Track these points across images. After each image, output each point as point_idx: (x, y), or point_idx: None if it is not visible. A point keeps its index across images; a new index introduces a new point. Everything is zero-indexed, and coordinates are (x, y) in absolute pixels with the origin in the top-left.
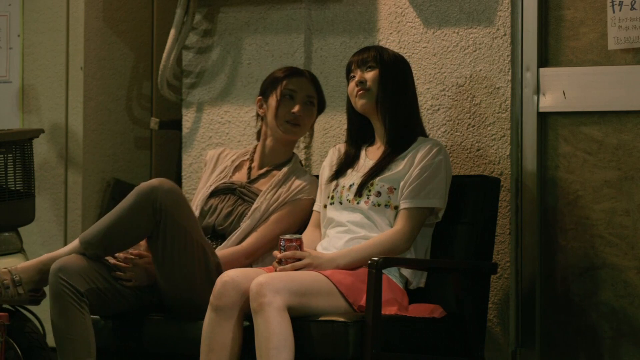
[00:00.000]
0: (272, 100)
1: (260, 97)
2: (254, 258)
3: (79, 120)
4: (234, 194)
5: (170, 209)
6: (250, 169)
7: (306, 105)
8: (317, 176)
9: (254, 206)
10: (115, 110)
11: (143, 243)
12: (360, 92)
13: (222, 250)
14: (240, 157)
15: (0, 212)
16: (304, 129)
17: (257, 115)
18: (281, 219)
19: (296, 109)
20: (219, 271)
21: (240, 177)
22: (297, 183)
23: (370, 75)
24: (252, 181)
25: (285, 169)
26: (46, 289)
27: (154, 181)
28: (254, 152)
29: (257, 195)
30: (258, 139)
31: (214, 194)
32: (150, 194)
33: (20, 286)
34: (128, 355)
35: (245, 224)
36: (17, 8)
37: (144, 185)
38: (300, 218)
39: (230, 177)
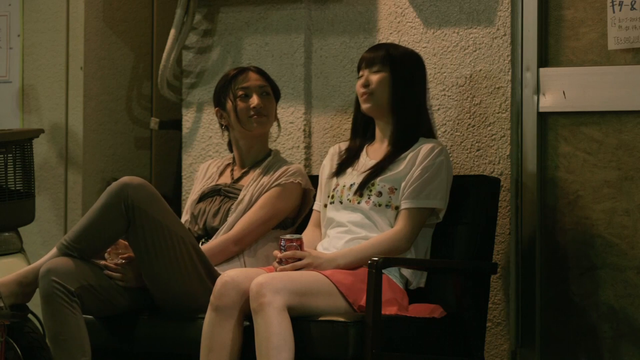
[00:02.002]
0: (229, 105)
1: (216, 108)
2: (243, 245)
3: (79, 120)
4: (219, 195)
5: (142, 204)
6: (232, 170)
7: (263, 96)
8: (317, 176)
9: (237, 200)
10: (115, 110)
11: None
12: (364, 95)
13: (211, 241)
14: (225, 162)
15: (0, 212)
16: (270, 118)
17: (221, 126)
18: (268, 204)
19: (255, 102)
20: (204, 262)
21: (225, 179)
22: (282, 169)
23: (375, 77)
24: (235, 181)
25: (264, 163)
26: (30, 304)
27: (124, 179)
28: (234, 157)
29: (240, 191)
30: (231, 150)
31: (201, 198)
32: (120, 192)
33: (0, 299)
34: (125, 356)
35: (231, 218)
36: (17, 8)
37: (114, 184)
38: (289, 202)
39: (216, 181)
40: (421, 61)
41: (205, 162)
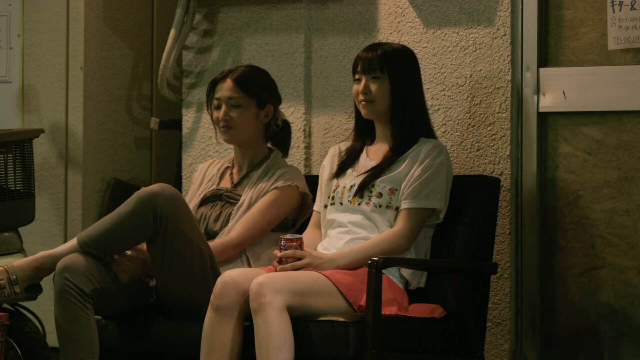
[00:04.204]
0: (210, 113)
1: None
2: (242, 249)
3: (79, 120)
4: (220, 200)
5: (171, 215)
6: (232, 174)
7: (230, 108)
8: (317, 176)
9: (237, 204)
10: (115, 110)
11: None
12: (364, 102)
13: (210, 243)
14: (225, 164)
15: (0, 212)
16: (238, 130)
17: None
18: (265, 208)
19: (220, 115)
20: (215, 271)
21: (225, 183)
22: (279, 172)
23: (375, 86)
24: (236, 185)
25: (263, 166)
26: (43, 283)
27: (155, 187)
28: (234, 159)
29: (240, 197)
30: None
31: (203, 202)
32: (151, 201)
33: (17, 285)
34: (128, 355)
35: (231, 223)
36: (17, 8)
37: (144, 191)
38: (287, 206)
39: (218, 184)
40: (414, 56)
41: (205, 163)
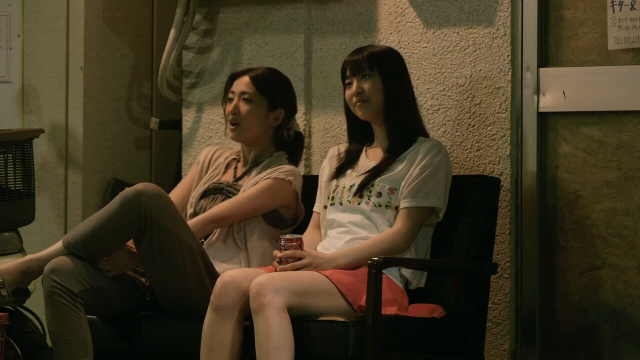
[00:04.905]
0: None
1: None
2: (221, 225)
3: (79, 120)
4: (221, 194)
5: (155, 214)
6: (236, 168)
7: (241, 102)
8: (317, 176)
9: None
10: (115, 110)
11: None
12: (359, 103)
13: (192, 220)
14: (232, 155)
15: (0, 212)
16: (244, 127)
17: None
18: (254, 194)
19: (230, 107)
20: (210, 270)
21: (228, 176)
22: (277, 167)
23: (368, 84)
24: (237, 179)
25: (264, 162)
26: (30, 305)
27: (139, 186)
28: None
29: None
30: None
31: (204, 194)
32: (134, 200)
33: (4, 288)
34: (127, 356)
35: None
36: (17, 8)
37: (128, 190)
38: (277, 197)
39: (222, 175)
40: (400, 56)
41: (211, 147)
